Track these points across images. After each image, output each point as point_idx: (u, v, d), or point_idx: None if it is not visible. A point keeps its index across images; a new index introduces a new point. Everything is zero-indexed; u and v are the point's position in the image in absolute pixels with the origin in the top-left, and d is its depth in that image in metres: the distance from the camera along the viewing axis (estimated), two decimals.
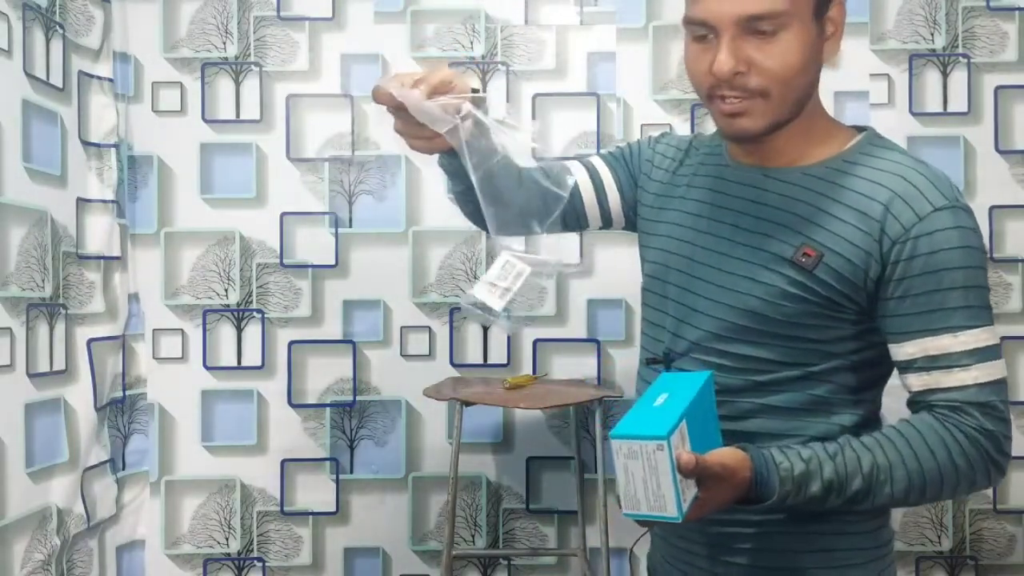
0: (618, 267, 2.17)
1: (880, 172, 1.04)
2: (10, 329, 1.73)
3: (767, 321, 1.05)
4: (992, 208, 2.22)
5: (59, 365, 1.91)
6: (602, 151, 1.34)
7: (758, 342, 1.06)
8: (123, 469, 2.19)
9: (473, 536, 2.28)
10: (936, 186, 1.02)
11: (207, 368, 2.25)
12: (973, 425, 1.00)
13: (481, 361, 2.27)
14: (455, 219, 2.23)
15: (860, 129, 1.12)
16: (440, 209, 2.25)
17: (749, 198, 1.10)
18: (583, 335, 2.25)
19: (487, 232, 1.05)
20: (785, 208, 1.07)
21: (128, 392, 2.20)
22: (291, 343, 2.25)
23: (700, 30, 1.03)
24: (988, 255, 2.19)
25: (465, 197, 1.19)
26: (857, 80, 2.23)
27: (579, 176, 1.27)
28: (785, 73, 1.01)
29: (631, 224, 1.29)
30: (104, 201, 2.11)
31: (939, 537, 2.23)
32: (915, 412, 1.04)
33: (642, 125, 2.24)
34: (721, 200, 1.13)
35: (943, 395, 1.01)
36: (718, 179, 1.15)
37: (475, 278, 2.26)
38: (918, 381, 1.03)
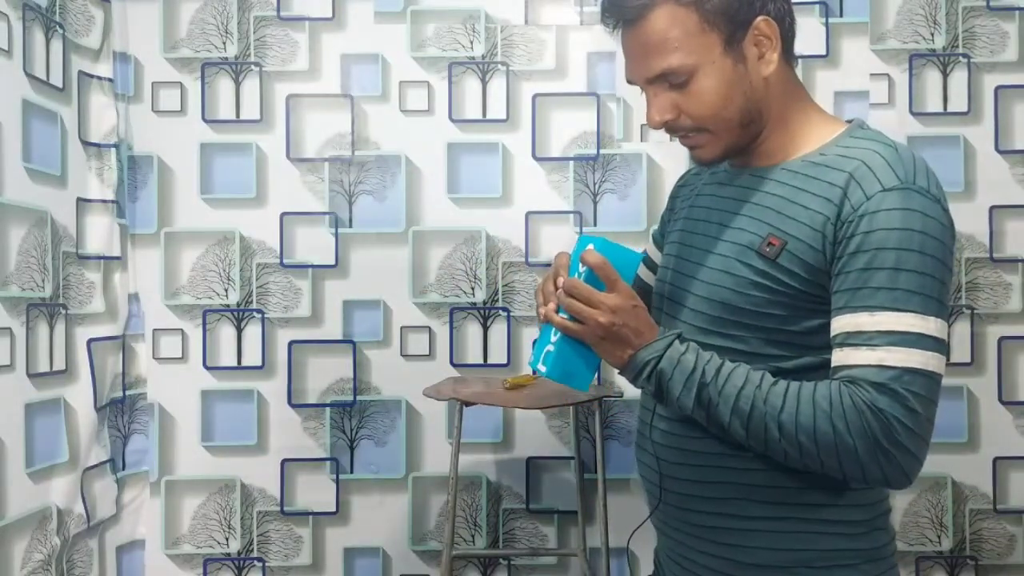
0: None
1: (846, 159, 1.04)
2: (10, 329, 1.73)
3: (738, 312, 1.06)
4: (992, 208, 2.22)
5: (59, 365, 1.91)
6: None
7: (733, 334, 1.07)
8: (123, 469, 2.19)
9: (473, 536, 2.28)
10: (893, 167, 1.00)
11: (207, 368, 2.25)
12: (864, 398, 0.95)
13: (481, 361, 2.26)
14: (455, 219, 2.27)
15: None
16: (440, 209, 2.26)
17: (734, 197, 1.13)
18: None
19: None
20: (761, 203, 1.09)
21: (128, 392, 2.20)
22: (291, 343, 2.25)
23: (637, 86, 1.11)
24: (989, 254, 2.20)
25: None
26: (857, 80, 2.24)
27: (642, 274, 1.35)
28: (709, 112, 1.06)
29: None
30: (104, 201, 2.11)
31: (939, 537, 2.23)
32: None
33: (641, 125, 2.24)
34: (713, 203, 1.17)
35: (846, 372, 0.98)
36: (716, 184, 1.19)
37: (475, 278, 2.26)
38: (834, 359, 1.00)
